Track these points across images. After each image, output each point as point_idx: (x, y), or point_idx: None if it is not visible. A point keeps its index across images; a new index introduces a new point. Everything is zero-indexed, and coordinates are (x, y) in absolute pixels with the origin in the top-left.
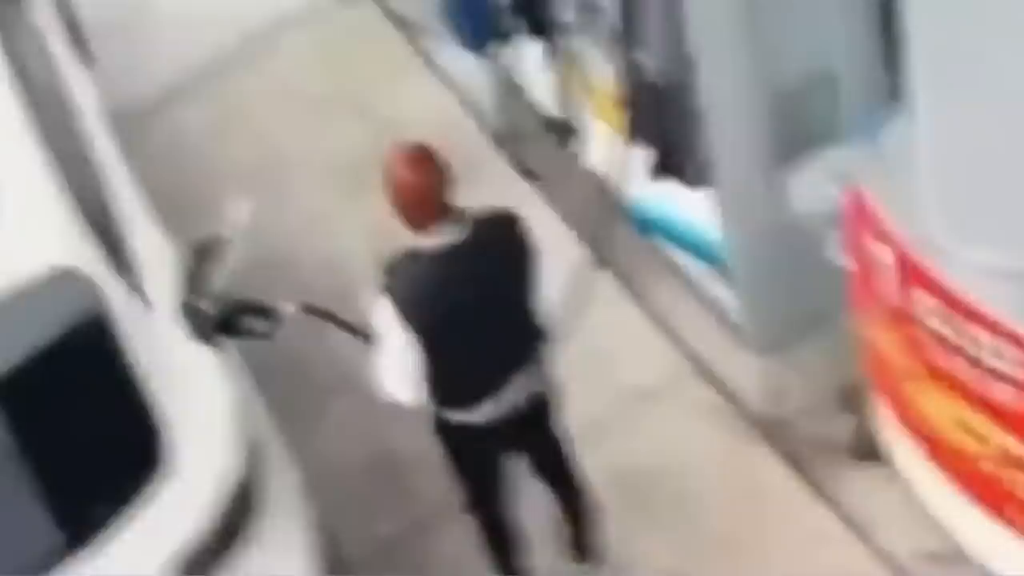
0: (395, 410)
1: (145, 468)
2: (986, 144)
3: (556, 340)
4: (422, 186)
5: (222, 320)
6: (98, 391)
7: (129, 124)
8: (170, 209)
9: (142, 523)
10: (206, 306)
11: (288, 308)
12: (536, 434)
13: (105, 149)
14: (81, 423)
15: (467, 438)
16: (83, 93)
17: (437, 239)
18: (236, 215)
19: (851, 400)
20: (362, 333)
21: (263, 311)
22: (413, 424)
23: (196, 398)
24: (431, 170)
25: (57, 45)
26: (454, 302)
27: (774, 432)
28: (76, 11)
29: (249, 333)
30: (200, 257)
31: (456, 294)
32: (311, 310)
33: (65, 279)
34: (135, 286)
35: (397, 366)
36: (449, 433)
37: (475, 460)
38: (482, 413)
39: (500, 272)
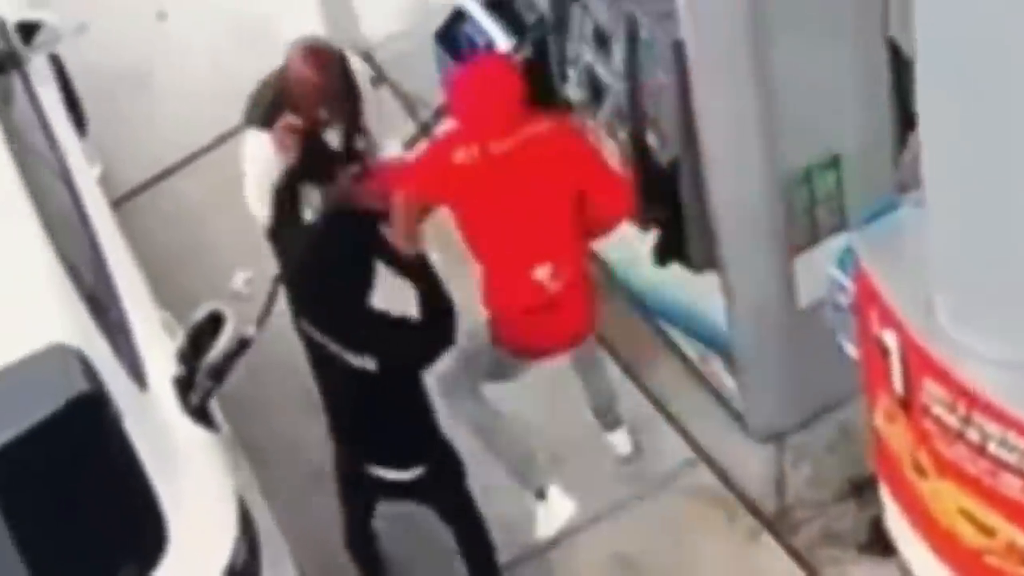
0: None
1: (141, 550)
2: (997, 235)
3: None
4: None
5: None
6: (93, 471)
7: (126, 196)
8: (166, 283)
9: None
10: (202, 382)
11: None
12: None
13: (102, 222)
14: (75, 503)
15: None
16: (80, 165)
17: None
18: (234, 290)
19: (859, 491)
20: None
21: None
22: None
23: (192, 479)
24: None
25: (56, 116)
26: None
27: (778, 523)
28: (73, 81)
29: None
30: (197, 333)
31: None
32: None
33: (60, 356)
34: (131, 363)
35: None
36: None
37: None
38: None
39: None
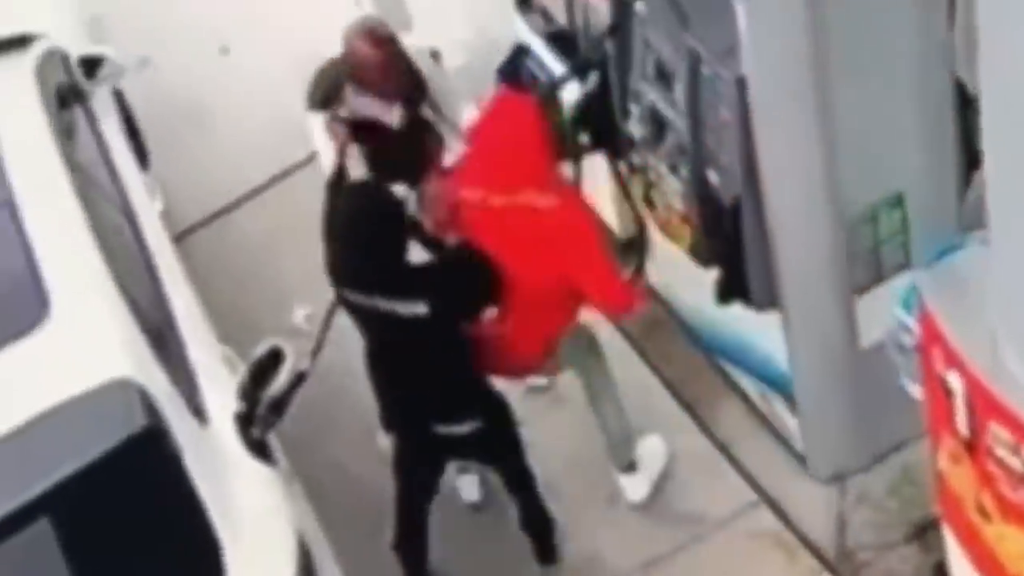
0: (451, 528)
1: None
2: None
3: None
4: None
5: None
6: (152, 506)
7: (188, 231)
8: (228, 318)
9: None
10: (263, 417)
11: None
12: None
13: (163, 257)
14: (134, 538)
15: None
16: (141, 199)
17: None
18: (294, 325)
19: (922, 534)
20: None
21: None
22: (466, 542)
23: (251, 513)
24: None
25: (118, 150)
26: None
27: (839, 565)
28: (134, 114)
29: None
30: (258, 369)
31: None
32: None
33: (121, 391)
34: (191, 398)
35: None
36: None
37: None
38: None
39: None
